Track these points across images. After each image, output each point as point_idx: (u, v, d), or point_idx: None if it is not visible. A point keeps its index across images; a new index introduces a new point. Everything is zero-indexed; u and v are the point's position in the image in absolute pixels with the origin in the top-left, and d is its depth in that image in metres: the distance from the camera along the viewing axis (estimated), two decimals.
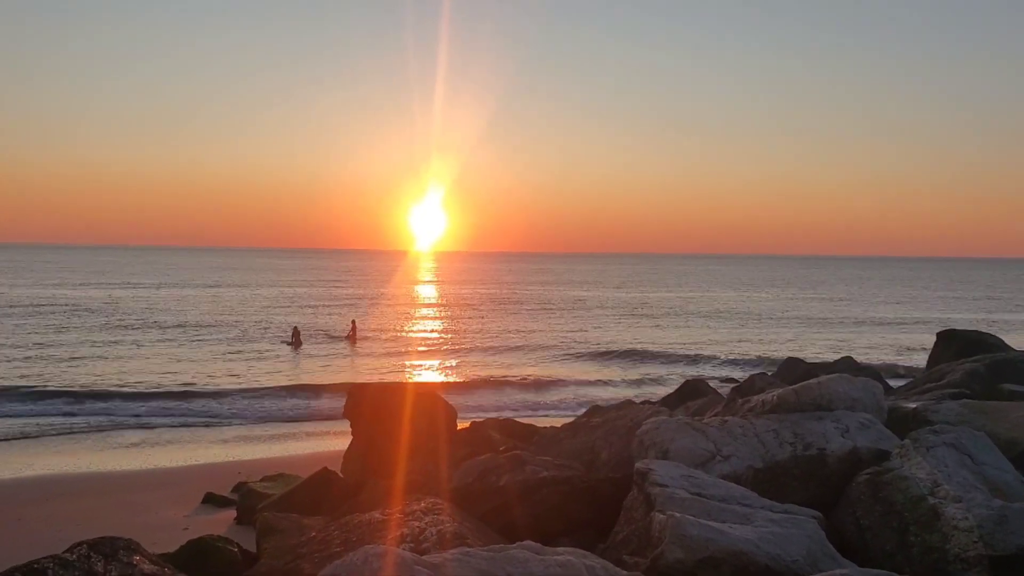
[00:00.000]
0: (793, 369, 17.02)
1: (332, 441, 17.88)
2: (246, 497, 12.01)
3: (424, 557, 5.38)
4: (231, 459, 16.66)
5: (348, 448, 12.13)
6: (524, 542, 5.69)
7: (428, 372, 31.34)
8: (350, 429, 12.18)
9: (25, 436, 19.38)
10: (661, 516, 5.88)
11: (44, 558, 5.47)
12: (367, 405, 12.15)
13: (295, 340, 37.67)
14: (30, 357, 31.87)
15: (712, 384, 16.20)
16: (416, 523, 6.72)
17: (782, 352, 36.21)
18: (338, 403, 12.54)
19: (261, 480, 12.83)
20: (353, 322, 41.68)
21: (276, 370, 30.43)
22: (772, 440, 7.56)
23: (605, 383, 28.02)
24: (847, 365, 17.97)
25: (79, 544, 5.81)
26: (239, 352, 35.18)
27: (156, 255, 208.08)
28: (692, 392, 12.97)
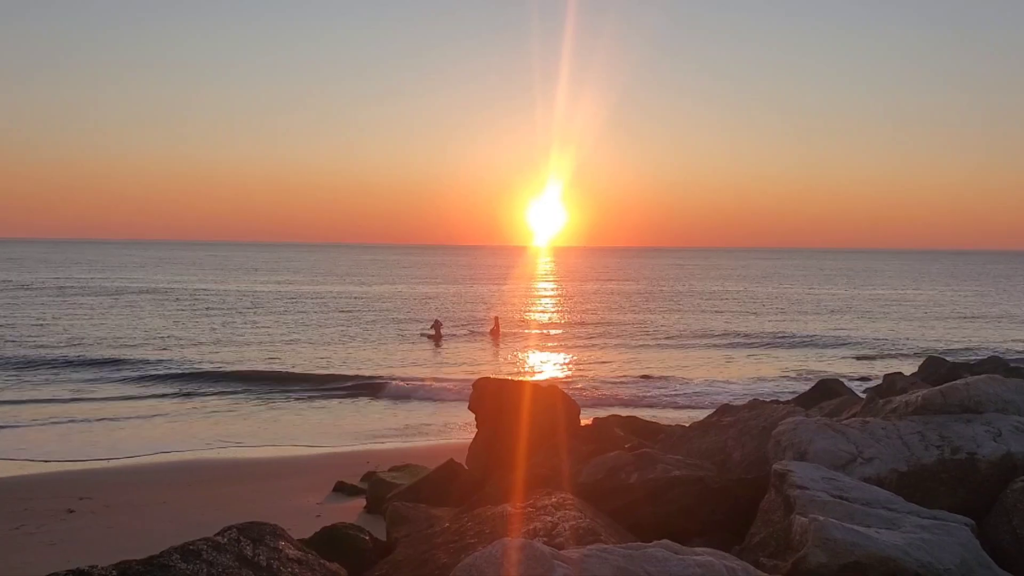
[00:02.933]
0: (936, 369, 16.13)
1: (458, 433, 18.17)
2: (375, 486, 12.32)
3: (561, 552, 5.39)
4: (360, 448, 17.16)
5: (473, 441, 12.29)
6: (661, 541, 5.62)
7: (559, 367, 31.09)
8: (475, 422, 12.34)
9: (159, 415, 20.45)
10: (803, 519, 5.70)
11: (198, 540, 5.73)
12: (489, 399, 12.28)
13: (436, 333, 38.15)
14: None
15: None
16: (548, 517, 6.73)
17: (914, 349, 34.79)
18: (467, 396, 12.74)
19: (389, 470, 13.12)
20: (496, 318, 41.76)
21: (414, 362, 31.10)
22: (917, 443, 7.22)
23: (730, 381, 27.41)
24: (996, 365, 16.92)
25: (229, 528, 6.07)
26: (382, 343, 36.38)
27: (286, 251, 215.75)
28: (826, 392, 12.54)
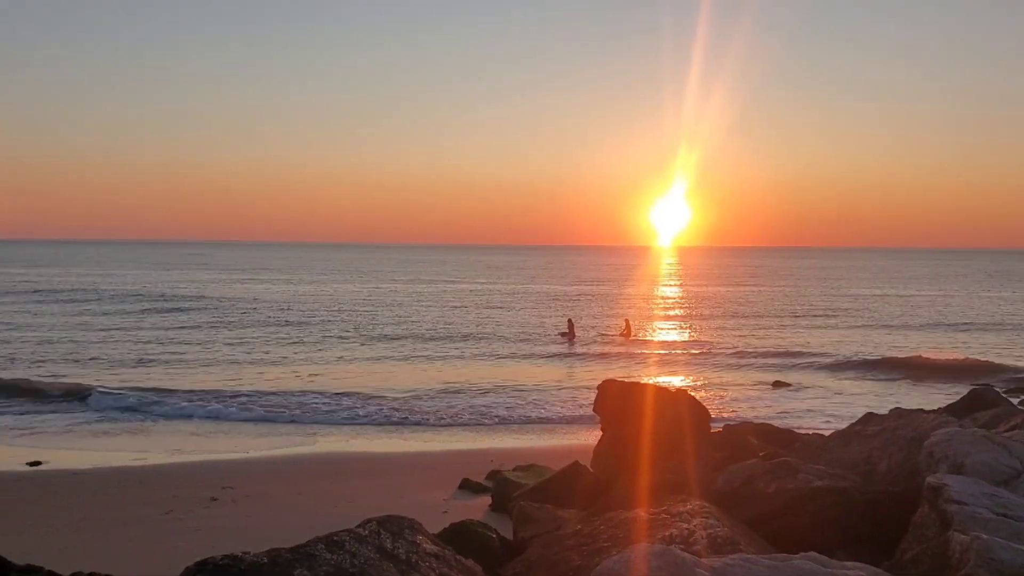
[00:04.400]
0: None
1: (583, 435, 18.09)
2: (500, 485, 12.39)
3: (703, 560, 5.25)
4: (483, 446, 17.34)
5: (598, 443, 12.19)
6: (808, 553, 5.41)
7: (688, 371, 30.40)
8: (600, 424, 12.25)
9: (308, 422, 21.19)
10: (963, 537, 5.38)
11: (341, 532, 5.87)
12: (614, 402, 12.17)
13: (570, 332, 38.30)
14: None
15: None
16: (684, 524, 6.59)
17: None
18: (592, 397, 12.68)
19: (513, 469, 13.18)
20: (627, 320, 41.50)
21: (546, 361, 31.28)
22: None
23: (868, 393, 26.11)
24: None
25: (369, 521, 6.18)
26: (516, 342, 36.78)
27: (411, 253, 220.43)
28: (980, 401, 11.81)
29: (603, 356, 33.29)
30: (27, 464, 15.46)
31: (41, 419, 20.30)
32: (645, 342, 38.71)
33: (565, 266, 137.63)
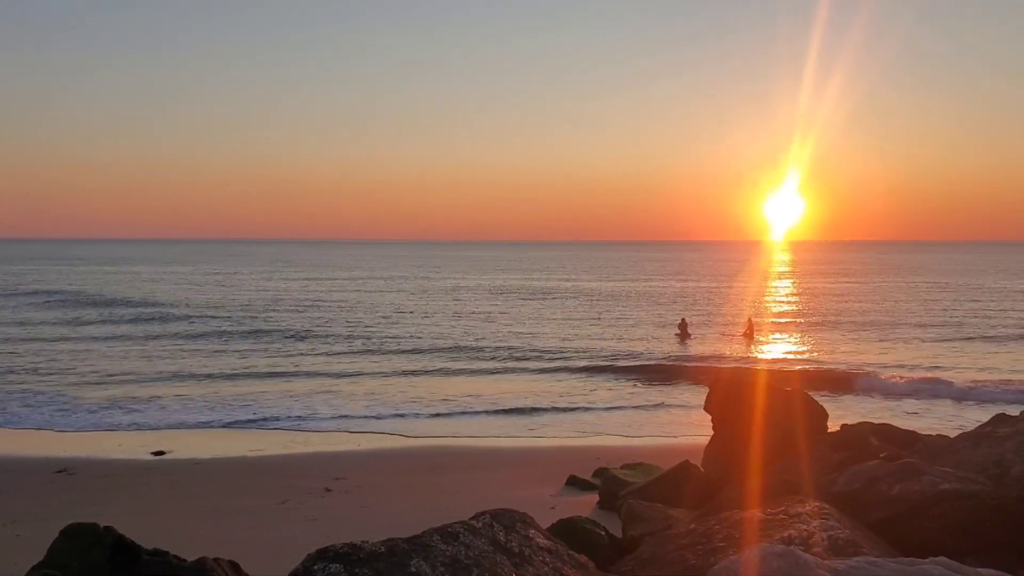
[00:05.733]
0: None
1: (691, 434, 17.79)
2: (608, 483, 12.32)
3: (824, 561, 5.08)
4: (590, 443, 17.27)
5: (709, 443, 11.97)
6: (938, 558, 5.17)
7: (805, 367, 29.48)
8: (711, 423, 12.03)
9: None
10: None
11: (455, 523, 5.92)
12: (723, 401, 11.94)
13: (683, 332, 37.99)
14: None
15: None
16: (803, 526, 6.39)
17: None
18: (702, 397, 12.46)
19: (621, 467, 13.08)
20: (750, 319, 40.75)
21: (657, 362, 30.92)
22: None
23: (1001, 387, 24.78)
24: None
25: (483, 513, 6.22)
26: (629, 341, 36.76)
27: (523, 251, 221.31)
28: None
29: (720, 356, 32.56)
30: (152, 453, 16.22)
31: None
32: (767, 342, 37.58)
33: (678, 262, 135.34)
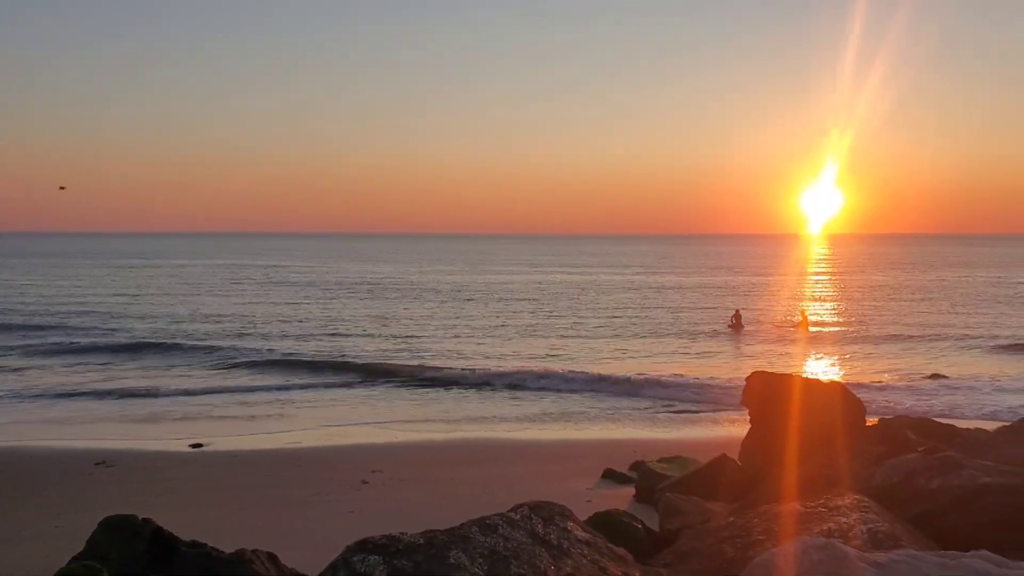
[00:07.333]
0: None
1: (729, 427, 17.72)
2: (644, 476, 12.32)
3: (865, 555, 5.07)
4: (626, 436, 17.27)
5: (746, 436, 11.92)
6: (980, 551, 5.14)
7: (843, 363, 29.02)
8: (748, 417, 11.98)
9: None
10: None
11: (494, 515, 5.97)
12: (761, 394, 11.87)
13: (736, 323, 37.86)
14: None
15: None
16: (842, 519, 6.37)
17: None
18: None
19: (658, 460, 13.07)
20: (803, 312, 40.37)
21: (711, 355, 30.80)
22: None
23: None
24: None
25: (521, 506, 6.26)
26: (680, 335, 36.54)
27: (567, 244, 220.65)
28: None
29: (774, 348, 32.18)
30: (190, 446, 16.47)
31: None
32: (819, 335, 37.08)
33: (713, 256, 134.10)
